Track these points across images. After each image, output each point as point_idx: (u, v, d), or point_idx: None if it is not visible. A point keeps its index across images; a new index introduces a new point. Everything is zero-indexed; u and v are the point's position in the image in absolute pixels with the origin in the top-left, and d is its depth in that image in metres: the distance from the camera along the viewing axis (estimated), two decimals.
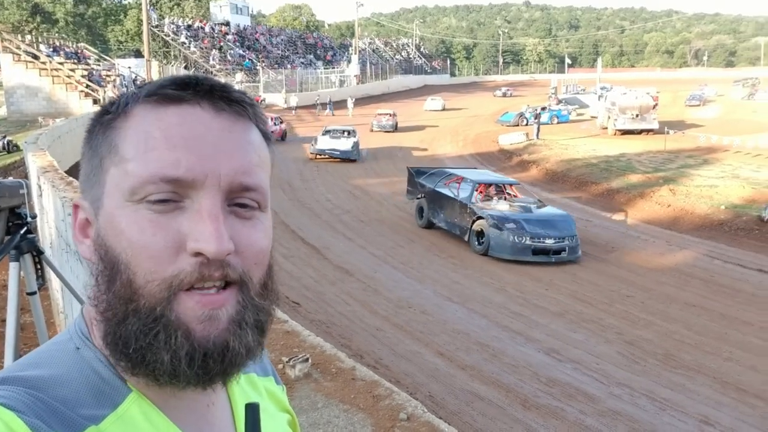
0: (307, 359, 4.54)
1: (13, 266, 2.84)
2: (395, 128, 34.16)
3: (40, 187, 6.52)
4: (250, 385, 0.80)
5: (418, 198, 15.64)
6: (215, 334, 0.60)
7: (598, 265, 12.60)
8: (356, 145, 25.23)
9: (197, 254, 0.59)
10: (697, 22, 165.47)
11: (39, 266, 2.96)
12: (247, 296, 0.63)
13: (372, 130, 33.36)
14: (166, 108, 0.62)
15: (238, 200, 0.63)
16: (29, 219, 2.88)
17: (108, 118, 0.65)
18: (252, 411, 0.70)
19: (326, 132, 26.35)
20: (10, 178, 3.12)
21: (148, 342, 0.59)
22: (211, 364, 0.60)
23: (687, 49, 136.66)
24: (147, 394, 0.64)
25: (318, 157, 24.66)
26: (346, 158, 24.44)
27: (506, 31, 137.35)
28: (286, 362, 4.49)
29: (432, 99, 50.15)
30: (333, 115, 40.22)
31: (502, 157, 26.93)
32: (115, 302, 0.61)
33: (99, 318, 0.63)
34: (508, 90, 63.27)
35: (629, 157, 23.86)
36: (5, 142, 23.02)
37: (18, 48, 31.77)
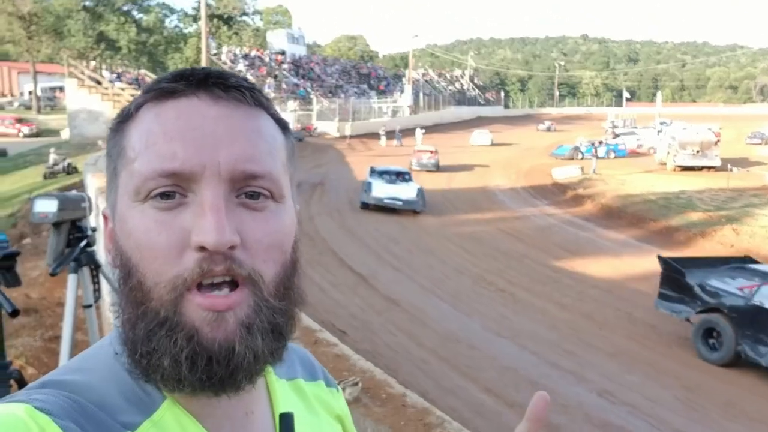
0: (357, 383, 4.46)
1: (71, 278, 2.87)
2: (437, 167, 29.56)
3: (97, 206, 6.71)
4: (296, 392, 0.76)
5: (698, 312, 9.85)
6: (222, 337, 0.57)
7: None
8: (420, 192, 20.75)
9: (200, 249, 0.57)
10: (763, 57, 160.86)
11: (96, 280, 2.99)
12: (260, 297, 0.60)
13: (411, 169, 26.55)
14: (163, 103, 0.61)
15: (247, 189, 0.60)
16: (89, 232, 2.91)
17: (117, 122, 0.65)
18: (285, 421, 0.67)
19: (374, 173, 21.86)
20: (74, 191, 3.18)
21: (153, 347, 0.58)
22: (215, 368, 0.57)
23: (752, 85, 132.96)
24: (180, 401, 0.61)
25: (372, 207, 20.12)
26: (410, 209, 20.18)
27: (562, 63, 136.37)
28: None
29: (479, 132, 44.29)
30: (401, 145, 39.12)
31: (556, 190, 26.49)
32: (128, 306, 0.60)
33: (118, 324, 0.63)
34: (552, 124, 59.77)
35: (689, 194, 23.11)
36: (65, 165, 23.99)
37: (82, 73, 33.38)
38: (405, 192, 20.45)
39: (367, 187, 20.55)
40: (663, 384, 8.47)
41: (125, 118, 0.64)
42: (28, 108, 52.98)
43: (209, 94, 0.61)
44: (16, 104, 56.13)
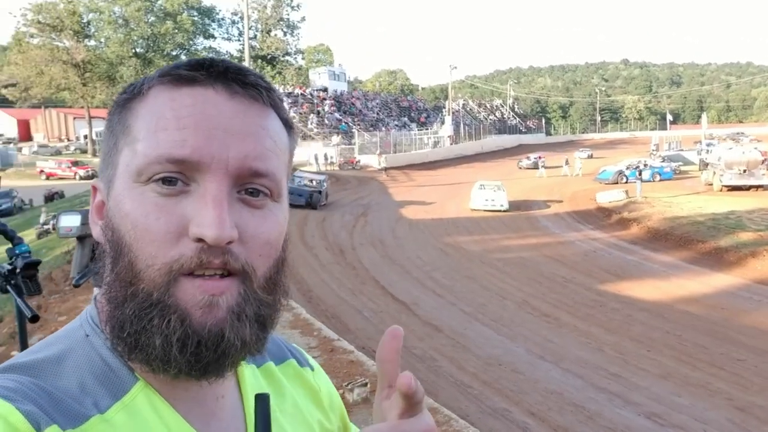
0: (365, 384, 4.58)
1: (96, 291, 3.00)
2: None
3: None
4: (266, 377, 0.77)
5: None
6: (212, 323, 0.58)
7: (705, 326, 11.79)
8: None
9: (198, 240, 0.57)
10: None
11: None
12: (249, 288, 0.61)
13: None
14: (179, 89, 0.61)
15: (249, 186, 0.61)
16: None
17: (124, 98, 0.64)
18: (262, 402, 0.64)
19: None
20: None
21: (143, 326, 0.58)
22: (203, 352, 0.58)
23: None
24: (154, 384, 0.62)
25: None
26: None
27: (604, 89, 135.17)
28: (345, 386, 4.56)
29: (480, 186, 27.63)
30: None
31: (600, 215, 26.08)
32: (116, 285, 0.60)
33: (104, 301, 0.63)
34: (538, 158, 45.36)
35: (739, 215, 22.47)
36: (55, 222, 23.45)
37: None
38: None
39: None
40: (715, 405, 8.20)
41: (134, 95, 0.63)
42: (84, 152, 55.16)
43: (227, 88, 0.61)
44: (72, 148, 58.45)
